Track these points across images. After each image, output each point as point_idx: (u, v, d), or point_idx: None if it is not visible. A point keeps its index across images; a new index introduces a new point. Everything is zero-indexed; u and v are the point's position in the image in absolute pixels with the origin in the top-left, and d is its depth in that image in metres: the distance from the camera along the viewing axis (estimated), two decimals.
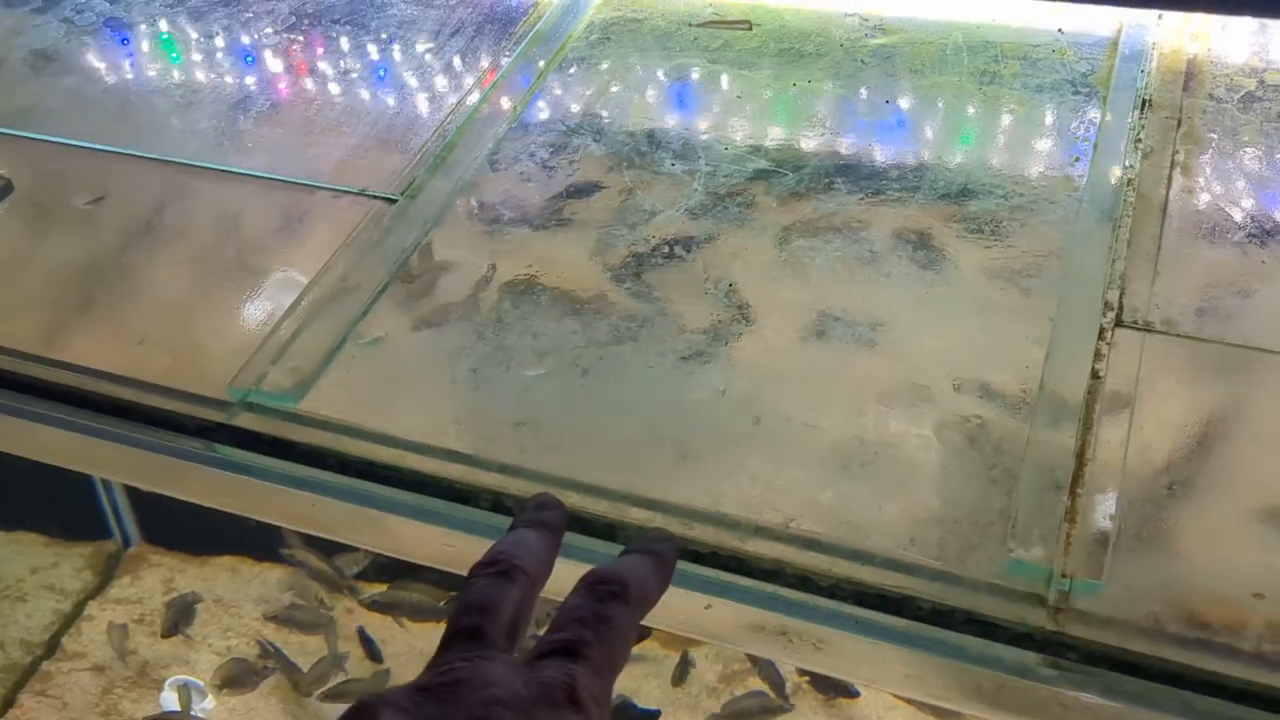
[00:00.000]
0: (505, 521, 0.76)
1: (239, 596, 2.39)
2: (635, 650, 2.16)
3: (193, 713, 2.20)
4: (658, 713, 2.07)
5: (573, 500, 0.88)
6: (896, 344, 0.98)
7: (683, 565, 0.83)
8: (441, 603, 2.17)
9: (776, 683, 2.13)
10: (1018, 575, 0.81)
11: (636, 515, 0.87)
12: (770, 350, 0.98)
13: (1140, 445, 0.88)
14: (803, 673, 2.12)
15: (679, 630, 0.89)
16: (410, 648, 2.23)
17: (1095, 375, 0.93)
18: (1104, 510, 0.84)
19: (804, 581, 0.83)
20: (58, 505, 2.50)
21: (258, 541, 2.39)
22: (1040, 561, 0.81)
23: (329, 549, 2.33)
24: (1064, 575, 0.81)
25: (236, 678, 2.26)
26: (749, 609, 0.84)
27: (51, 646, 2.37)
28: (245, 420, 0.98)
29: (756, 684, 2.16)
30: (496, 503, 0.90)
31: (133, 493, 2.49)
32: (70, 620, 2.42)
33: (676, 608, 0.84)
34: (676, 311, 1.03)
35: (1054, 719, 0.79)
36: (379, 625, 2.27)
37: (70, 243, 1.19)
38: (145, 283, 1.14)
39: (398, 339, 1.04)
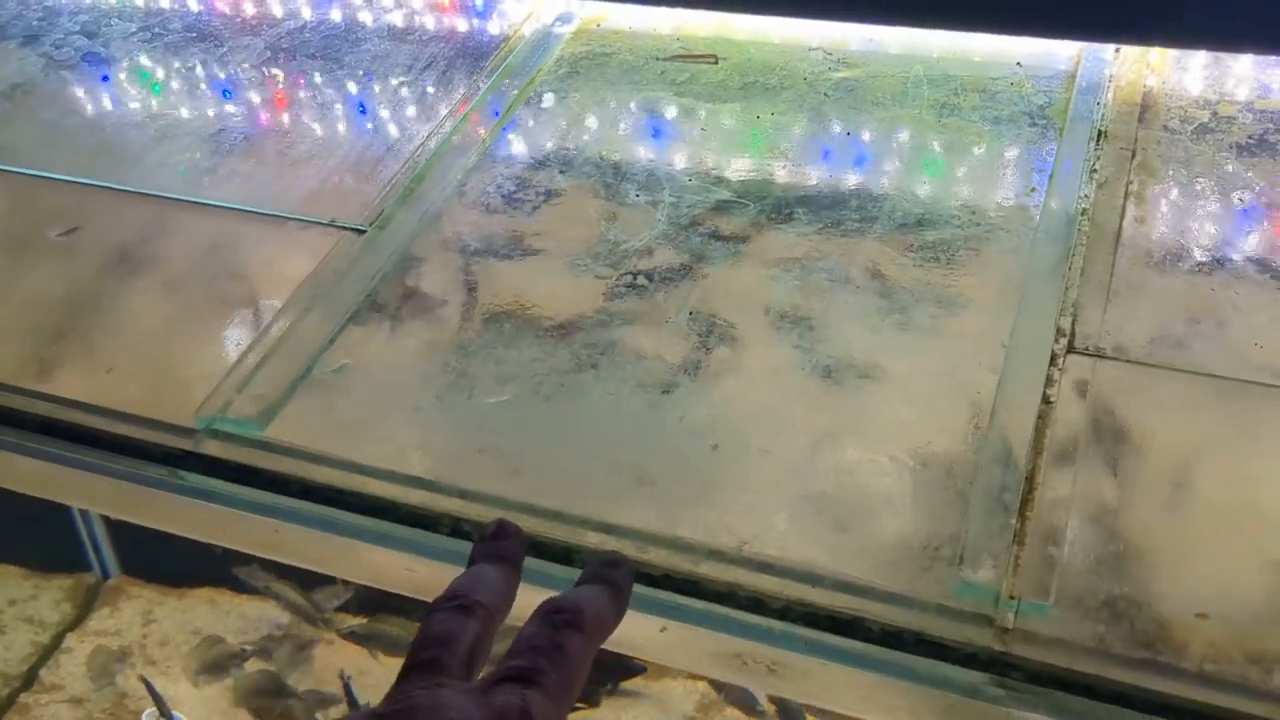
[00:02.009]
0: (466, 546, 0.77)
1: (218, 629, 2.38)
2: (631, 685, 2.15)
3: None
4: None
5: (530, 525, 0.89)
6: (852, 371, 0.99)
7: (639, 589, 0.83)
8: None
9: (748, 705, 2.13)
10: (966, 597, 0.82)
11: (592, 539, 0.88)
12: (729, 377, 1.00)
13: (1089, 470, 0.89)
14: (771, 699, 2.12)
15: (635, 654, 0.90)
16: (390, 680, 2.22)
17: (1046, 400, 0.95)
18: (1052, 533, 0.85)
19: (757, 604, 0.84)
20: (36, 537, 2.50)
21: (237, 574, 2.39)
22: (989, 583, 0.82)
23: (309, 583, 2.32)
24: (1012, 597, 0.82)
25: (215, 662, 2.27)
26: (704, 632, 0.85)
27: (29, 679, 2.37)
28: (211, 448, 0.99)
29: (733, 714, 2.15)
30: (456, 528, 0.91)
31: (112, 525, 2.49)
32: (49, 652, 2.41)
33: (633, 631, 0.85)
34: (637, 339, 1.04)
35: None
36: (357, 656, 2.27)
37: (43, 273, 1.20)
38: (116, 312, 1.15)
39: (364, 366, 1.05)
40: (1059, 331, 1.00)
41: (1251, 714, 0.75)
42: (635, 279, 1.10)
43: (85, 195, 1.30)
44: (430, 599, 0.66)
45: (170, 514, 1.01)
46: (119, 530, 2.50)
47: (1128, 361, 0.98)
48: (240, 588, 2.39)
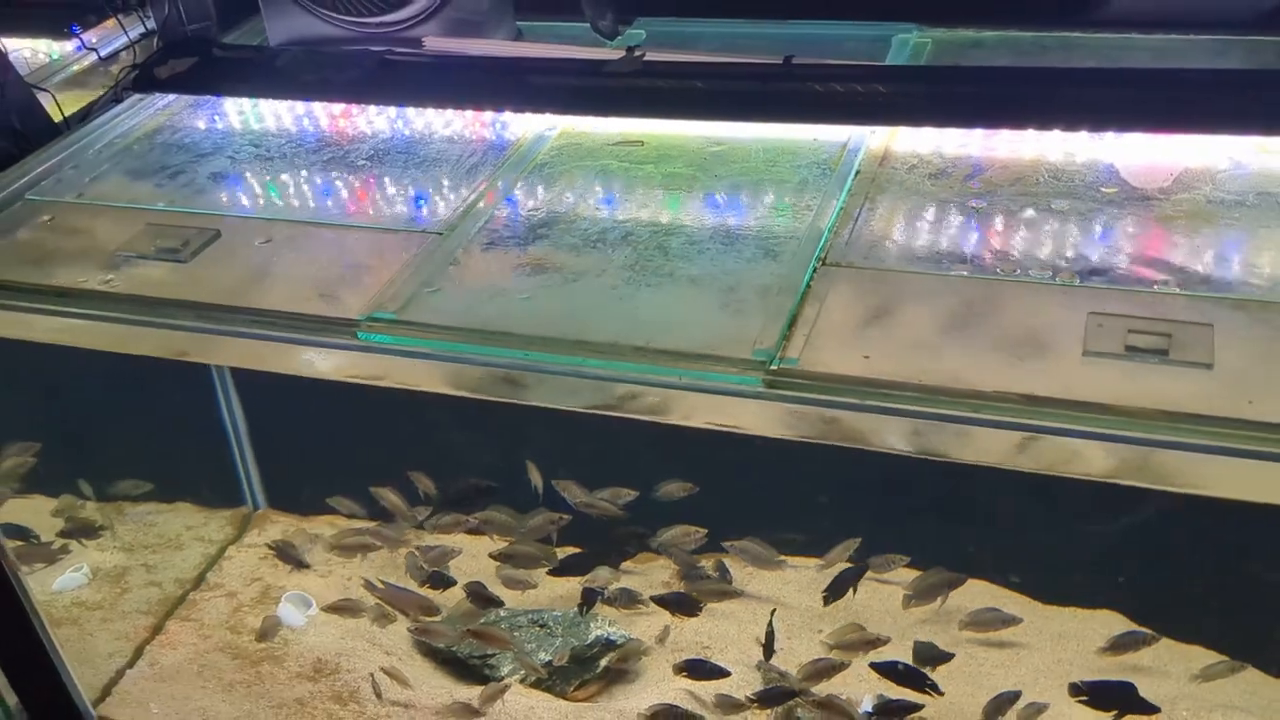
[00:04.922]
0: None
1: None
2: (629, 565, 3.01)
3: (305, 615, 2.97)
4: None
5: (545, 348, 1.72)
6: (709, 275, 1.85)
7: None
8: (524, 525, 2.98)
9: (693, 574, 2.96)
10: (760, 356, 1.66)
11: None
12: (660, 278, 1.85)
13: (827, 310, 1.74)
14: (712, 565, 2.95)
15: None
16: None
17: (809, 284, 1.81)
18: (803, 333, 1.70)
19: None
20: (208, 480, 3.34)
21: (347, 504, 3.23)
22: (769, 349, 1.66)
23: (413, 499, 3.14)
24: (781, 356, 1.66)
25: (347, 545, 3.05)
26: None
27: (198, 581, 3.14)
28: (374, 326, 1.83)
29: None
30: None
31: (262, 468, 3.34)
32: (214, 560, 3.21)
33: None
34: (603, 259, 1.90)
35: (775, 418, 1.63)
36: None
37: (253, 257, 2.05)
38: (291, 277, 1.99)
39: (447, 289, 1.90)
40: (819, 259, 1.87)
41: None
42: (600, 238, 1.97)
43: (271, 225, 2.16)
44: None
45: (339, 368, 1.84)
46: (267, 473, 3.33)
47: (852, 268, 1.84)
48: (350, 515, 3.22)
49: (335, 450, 3.27)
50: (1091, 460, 1.49)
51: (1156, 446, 1.47)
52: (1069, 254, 1.82)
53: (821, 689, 2.63)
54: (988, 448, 1.54)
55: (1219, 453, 1.45)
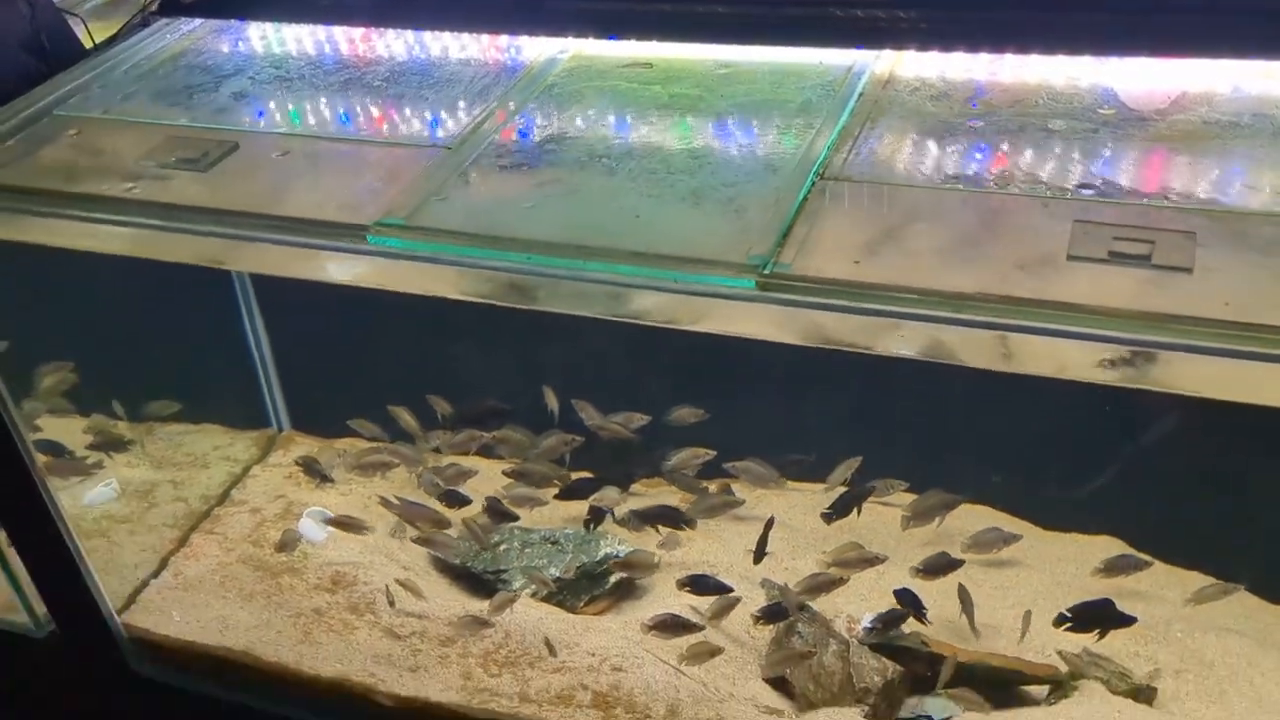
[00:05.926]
0: None
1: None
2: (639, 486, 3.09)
3: (326, 531, 3.05)
4: None
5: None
6: (714, 184, 1.88)
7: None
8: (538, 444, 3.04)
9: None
10: (754, 261, 1.70)
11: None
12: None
13: (822, 220, 1.78)
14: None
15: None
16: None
17: (806, 197, 1.84)
18: (797, 241, 1.73)
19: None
20: (234, 402, 3.44)
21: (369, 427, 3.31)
22: (764, 255, 1.70)
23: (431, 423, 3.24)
24: (775, 261, 1.70)
25: (366, 464, 3.13)
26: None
27: (223, 497, 3.25)
28: (382, 230, 1.88)
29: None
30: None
31: (286, 391, 3.44)
32: (239, 479, 3.31)
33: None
34: (618, 168, 1.94)
35: (769, 320, 1.67)
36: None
37: (269, 168, 2.10)
38: (305, 185, 2.04)
39: (454, 198, 1.94)
40: (818, 173, 1.90)
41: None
42: (606, 153, 2.01)
43: (288, 140, 2.21)
44: None
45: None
46: (291, 396, 3.43)
47: (848, 180, 1.87)
48: (371, 438, 3.29)
49: (358, 374, 3.34)
50: (1069, 359, 1.53)
51: (1134, 345, 1.50)
52: (1061, 169, 1.84)
53: (822, 604, 2.69)
54: (970, 348, 1.58)
55: (1195, 351, 1.48)
